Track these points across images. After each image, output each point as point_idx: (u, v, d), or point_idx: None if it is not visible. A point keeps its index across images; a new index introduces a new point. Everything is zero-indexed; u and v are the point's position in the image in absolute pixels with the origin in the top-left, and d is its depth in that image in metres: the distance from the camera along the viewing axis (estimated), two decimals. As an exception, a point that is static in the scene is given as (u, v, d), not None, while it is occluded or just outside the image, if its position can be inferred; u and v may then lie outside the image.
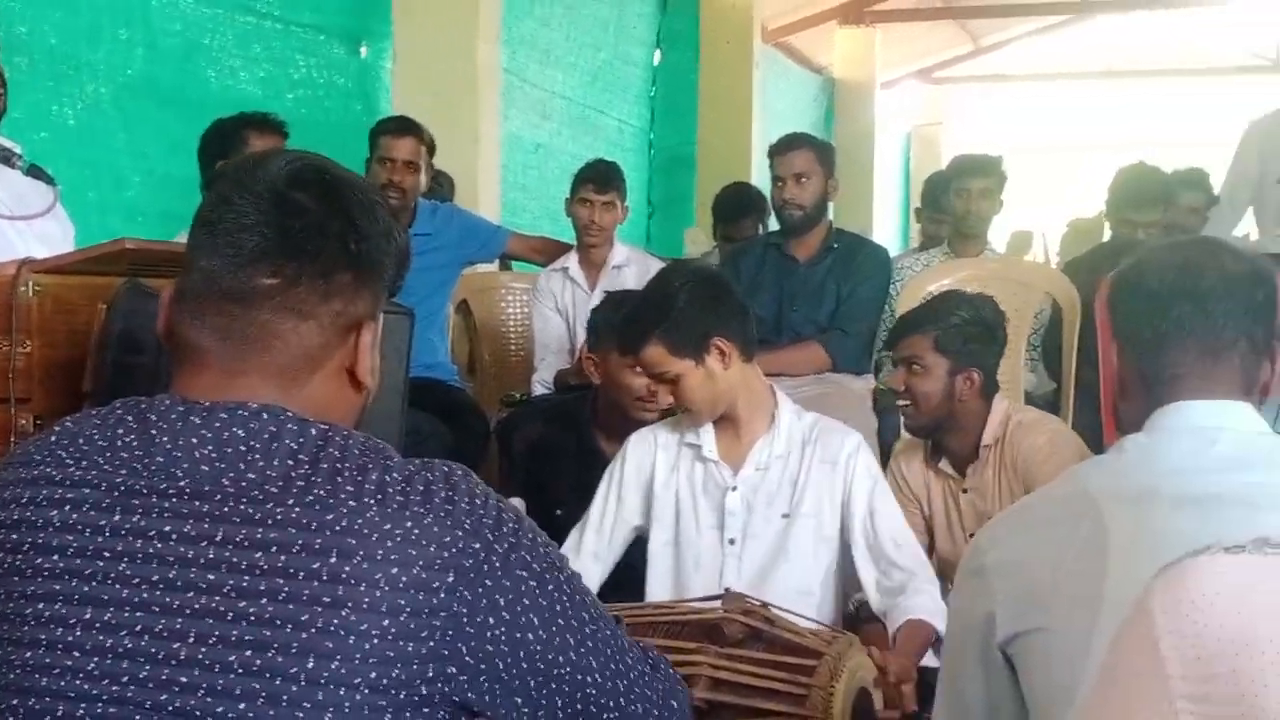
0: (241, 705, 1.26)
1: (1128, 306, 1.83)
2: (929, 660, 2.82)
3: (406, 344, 2.45)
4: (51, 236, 3.11)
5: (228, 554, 1.30)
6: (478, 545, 1.34)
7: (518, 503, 3.57)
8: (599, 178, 5.33)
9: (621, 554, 3.25)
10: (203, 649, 1.28)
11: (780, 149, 5.03)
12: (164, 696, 1.28)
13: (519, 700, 1.39)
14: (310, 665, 1.27)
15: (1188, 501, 1.63)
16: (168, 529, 1.31)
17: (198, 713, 1.27)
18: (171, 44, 5.78)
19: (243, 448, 1.35)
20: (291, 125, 4.50)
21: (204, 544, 1.30)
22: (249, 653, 1.27)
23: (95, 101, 5.40)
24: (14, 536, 1.34)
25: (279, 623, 1.27)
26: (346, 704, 1.27)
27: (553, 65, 8.84)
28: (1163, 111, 16.74)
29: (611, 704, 1.47)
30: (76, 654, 1.30)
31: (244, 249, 1.38)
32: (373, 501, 1.32)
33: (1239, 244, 4.42)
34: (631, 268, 5.31)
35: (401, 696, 1.29)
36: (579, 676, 1.42)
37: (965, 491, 3.66)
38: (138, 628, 1.29)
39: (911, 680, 2.66)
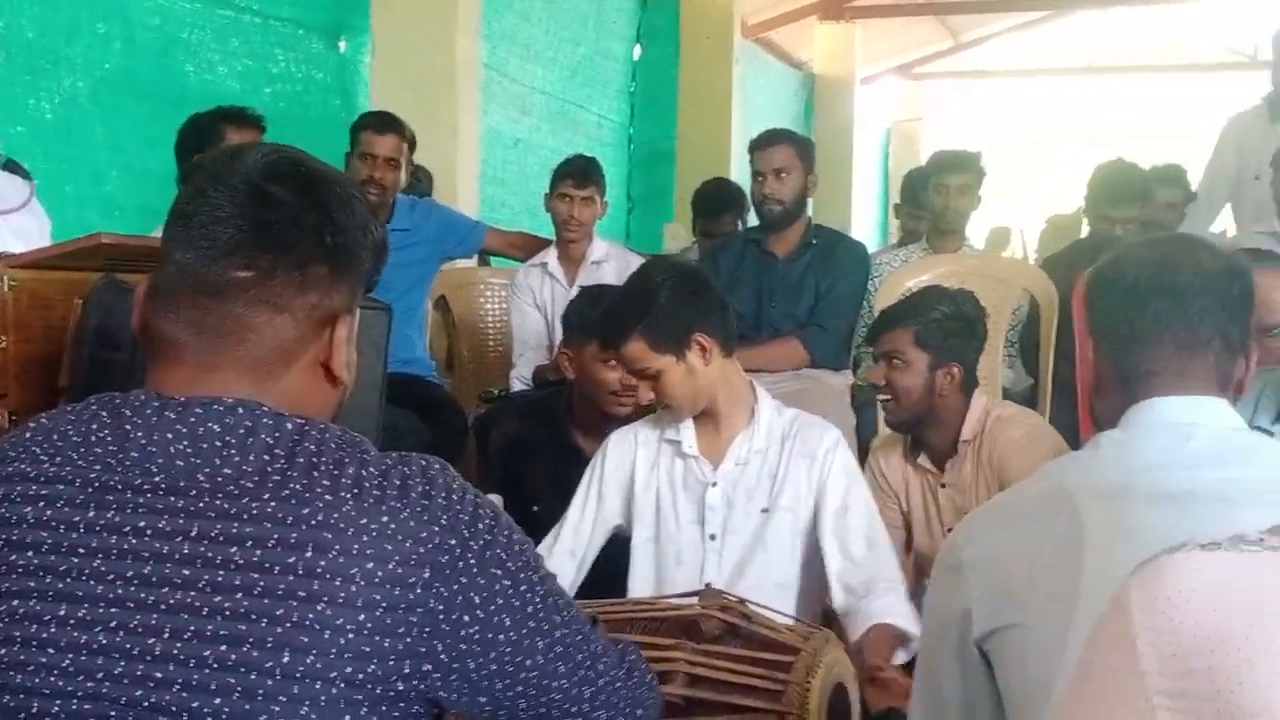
0: (217, 700, 1.26)
1: (1104, 303, 1.83)
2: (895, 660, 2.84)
3: (384, 339, 2.44)
4: (28, 231, 3.10)
5: (203, 549, 1.29)
6: (454, 541, 1.34)
7: (495, 499, 3.60)
8: (578, 173, 5.32)
9: (598, 552, 3.25)
10: (178, 644, 1.27)
11: (761, 144, 5.04)
12: (139, 692, 1.27)
13: (483, 700, 1.39)
14: (286, 660, 1.26)
15: (1163, 498, 1.63)
16: (142, 524, 1.31)
17: (173, 708, 1.26)
18: (149, 38, 5.75)
19: (218, 443, 1.34)
20: (270, 120, 4.49)
21: (179, 539, 1.30)
22: (224, 647, 1.26)
23: (73, 96, 5.38)
24: (-12, 533, 1.34)
25: (254, 617, 1.27)
26: (322, 698, 1.27)
27: (532, 60, 8.83)
28: (1140, 105, 16.79)
29: (575, 710, 1.47)
30: (51, 650, 1.29)
31: (218, 242, 1.38)
32: (349, 496, 1.32)
33: (1216, 240, 4.44)
34: (611, 263, 5.31)
35: (378, 692, 1.29)
36: (545, 681, 1.43)
37: (944, 486, 3.66)
38: (113, 623, 1.29)
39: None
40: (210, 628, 1.27)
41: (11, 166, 3.07)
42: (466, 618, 1.34)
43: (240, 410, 1.36)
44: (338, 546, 1.29)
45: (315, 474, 1.33)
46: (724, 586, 2.79)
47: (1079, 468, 1.80)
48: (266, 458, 1.34)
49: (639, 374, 3.10)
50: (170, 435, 1.35)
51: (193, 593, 1.28)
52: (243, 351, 1.39)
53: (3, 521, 1.33)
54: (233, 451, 1.34)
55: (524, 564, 1.41)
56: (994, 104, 17.99)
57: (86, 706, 1.28)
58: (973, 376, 3.67)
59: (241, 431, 1.35)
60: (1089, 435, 1.85)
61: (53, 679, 1.29)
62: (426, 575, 1.31)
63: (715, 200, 6.48)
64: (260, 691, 1.26)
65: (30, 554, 1.31)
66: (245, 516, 1.30)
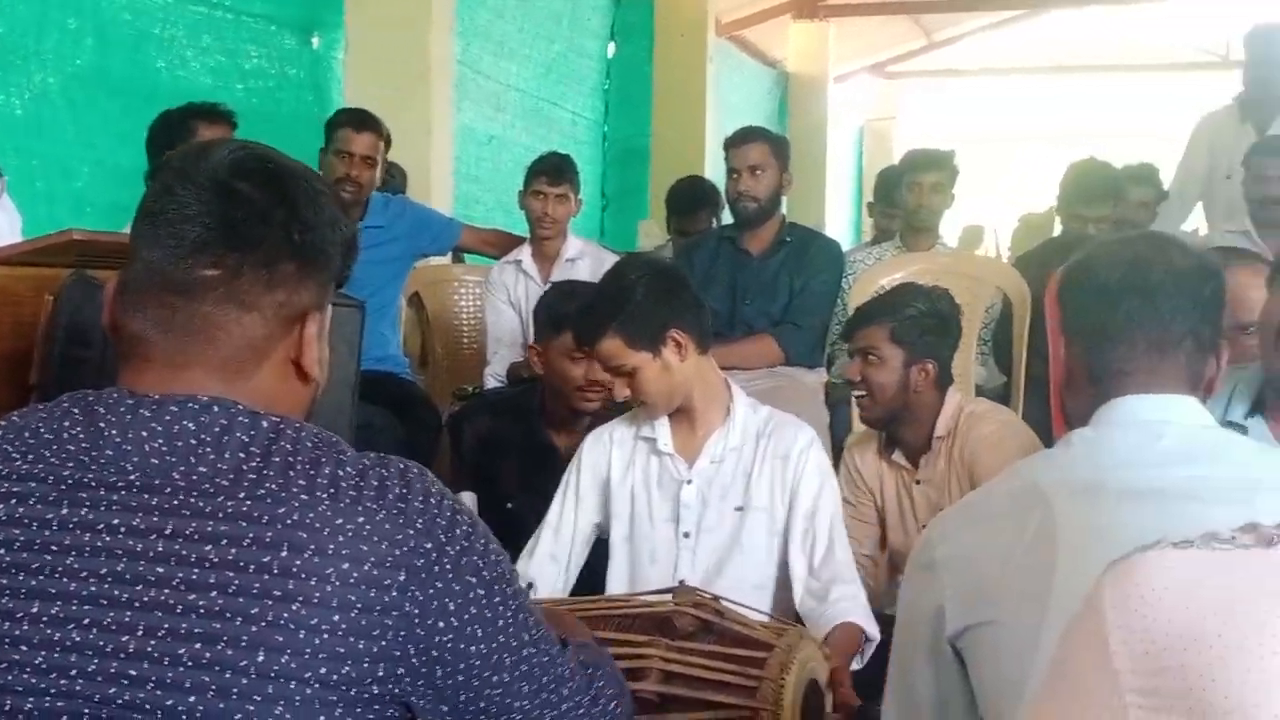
0: (191, 698, 1.25)
1: (1077, 301, 1.84)
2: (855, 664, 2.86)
3: (357, 336, 2.44)
4: (-2, 227, 3.09)
5: (177, 547, 1.28)
6: (429, 545, 1.34)
7: (470, 496, 3.59)
8: (552, 170, 5.31)
9: (585, 555, 3.25)
10: (151, 642, 1.26)
11: (736, 141, 5.04)
12: (112, 690, 1.26)
13: (445, 709, 1.39)
14: (260, 659, 1.26)
15: (1134, 495, 1.64)
16: (116, 522, 1.30)
17: (147, 706, 1.26)
18: (121, 34, 5.72)
19: (193, 441, 1.34)
20: (243, 116, 4.48)
21: (153, 537, 1.29)
22: (198, 645, 1.26)
23: (43, 91, 5.35)
24: (-41, 532, 1.33)
25: (229, 616, 1.26)
26: (297, 698, 1.26)
27: (506, 57, 8.82)
28: (1112, 104, 16.86)
29: None
30: (24, 648, 1.28)
31: (185, 240, 1.37)
32: (325, 495, 1.31)
33: (1188, 239, 4.46)
34: (585, 261, 5.30)
35: (352, 693, 1.29)
36: (507, 700, 1.42)
37: (918, 483, 3.67)
38: (86, 621, 1.28)
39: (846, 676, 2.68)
40: (184, 626, 1.26)
41: (-18, 163, 3.06)
42: (441, 624, 1.34)
43: (216, 408, 1.35)
44: (313, 546, 1.28)
45: (291, 473, 1.32)
46: (700, 586, 2.79)
47: (1051, 465, 1.81)
48: (242, 456, 1.33)
49: (614, 371, 3.10)
50: (145, 433, 1.34)
51: (167, 590, 1.27)
52: (211, 350, 1.39)
53: (-26, 519, 1.32)
54: (208, 450, 1.33)
55: (498, 575, 1.41)
56: (967, 102, 18.03)
57: (60, 704, 1.27)
58: (947, 373, 3.69)
59: (217, 430, 1.34)
60: (1061, 432, 1.85)
61: (25, 676, 1.28)
62: (402, 578, 1.31)
63: (690, 198, 6.48)
64: (234, 690, 1.25)
65: (2, 552, 1.30)
66: (220, 515, 1.29)
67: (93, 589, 1.28)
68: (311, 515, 1.30)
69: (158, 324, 1.38)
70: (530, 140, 8.82)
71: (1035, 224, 9.23)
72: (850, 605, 2.95)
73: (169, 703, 1.26)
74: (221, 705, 1.25)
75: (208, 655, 1.26)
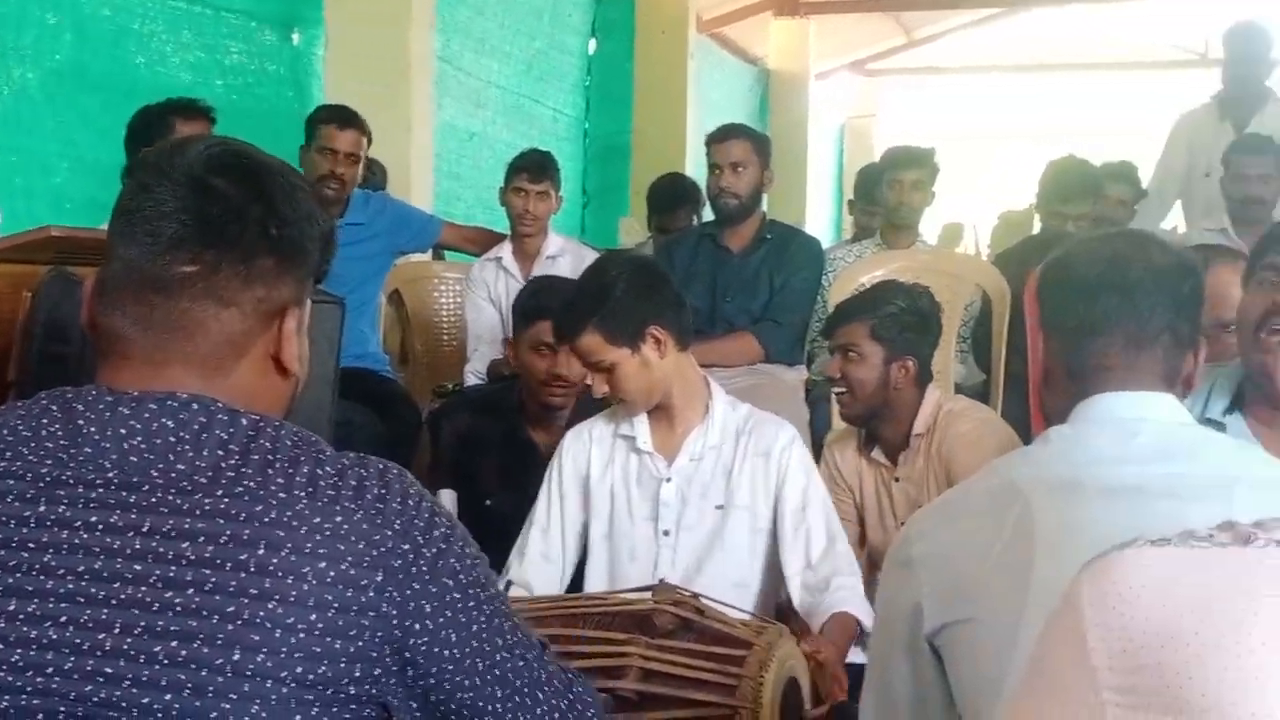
0: (167, 696, 1.25)
1: (1056, 298, 1.84)
2: (854, 656, 2.85)
3: (337, 333, 2.44)
4: (-25, 224, 3.07)
5: (154, 544, 1.28)
6: (406, 546, 1.34)
7: (449, 494, 3.59)
8: (533, 167, 5.32)
9: (579, 551, 3.25)
10: (128, 640, 1.26)
11: (717, 138, 5.05)
12: (89, 688, 1.26)
13: (415, 705, 1.38)
14: (236, 657, 1.26)
15: (1111, 493, 1.64)
16: (94, 519, 1.30)
17: (123, 703, 1.26)
18: (100, 29, 5.69)
19: (172, 438, 1.33)
20: (223, 112, 4.46)
21: (131, 534, 1.29)
22: (175, 643, 1.26)
23: (22, 87, 5.31)
24: (-65, 529, 1.32)
25: (205, 613, 1.26)
26: (273, 697, 1.26)
27: (487, 53, 8.79)
28: (1092, 102, 16.89)
29: None
30: (0, 646, 1.28)
31: (162, 237, 1.37)
32: (303, 494, 1.31)
33: (1166, 237, 4.47)
34: (566, 258, 5.30)
35: (329, 693, 1.29)
36: (479, 703, 1.41)
37: (897, 480, 3.68)
38: (63, 618, 1.27)
39: (842, 666, 2.69)
40: (161, 623, 1.26)
41: (-40, 159, 3.04)
42: (417, 626, 1.34)
43: (195, 406, 1.35)
44: (290, 544, 1.28)
45: (270, 471, 1.32)
46: (680, 584, 2.79)
47: (1029, 463, 1.81)
48: (221, 453, 1.33)
49: (593, 367, 3.10)
50: (124, 431, 1.34)
51: (144, 588, 1.27)
52: (190, 347, 1.38)
53: (-49, 517, 1.31)
54: (187, 447, 1.33)
55: (474, 579, 1.40)
56: (947, 100, 18.05)
57: (35, 702, 1.27)
58: (927, 370, 3.70)
59: (196, 427, 1.34)
60: (1040, 430, 1.86)
61: (1, 673, 1.27)
62: (379, 579, 1.31)
63: (670, 195, 6.48)
64: (210, 688, 1.25)
65: (-21, 549, 1.30)
66: (198, 512, 1.29)
67: (70, 586, 1.28)
68: (289, 514, 1.29)
69: (136, 321, 1.38)
70: (511, 137, 8.80)
71: (1015, 222, 9.25)
72: (848, 595, 2.96)
73: (145, 700, 1.25)
74: (198, 703, 1.25)
75: (184, 653, 1.25)
